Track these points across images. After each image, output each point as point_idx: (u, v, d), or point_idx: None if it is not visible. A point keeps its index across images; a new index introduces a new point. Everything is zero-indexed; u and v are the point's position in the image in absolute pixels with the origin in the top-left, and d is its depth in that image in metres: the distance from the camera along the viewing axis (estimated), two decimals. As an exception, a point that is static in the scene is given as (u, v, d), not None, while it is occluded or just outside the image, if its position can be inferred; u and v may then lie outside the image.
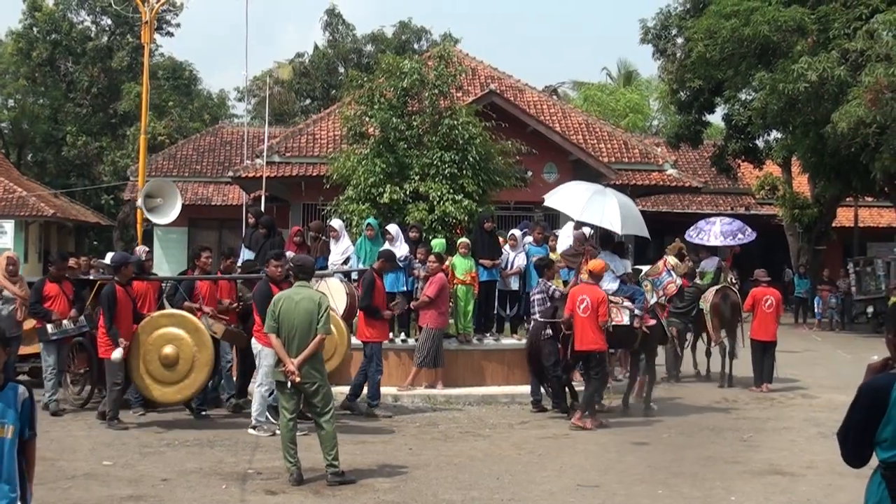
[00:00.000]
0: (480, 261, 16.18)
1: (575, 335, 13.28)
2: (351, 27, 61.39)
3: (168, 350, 12.63)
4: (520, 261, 16.48)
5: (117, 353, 12.47)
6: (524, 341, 16.38)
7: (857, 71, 25.19)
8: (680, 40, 36.08)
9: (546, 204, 16.04)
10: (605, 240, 15.34)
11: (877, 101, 24.04)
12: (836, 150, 27.67)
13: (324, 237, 17.24)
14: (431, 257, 15.14)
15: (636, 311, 14.12)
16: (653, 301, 14.94)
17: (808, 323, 32.42)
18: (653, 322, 14.67)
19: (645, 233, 15.19)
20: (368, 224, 16.85)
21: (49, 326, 13.59)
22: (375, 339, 13.99)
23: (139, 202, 16.90)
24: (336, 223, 17.29)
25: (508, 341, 16.53)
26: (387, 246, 16.35)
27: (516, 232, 16.87)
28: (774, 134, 35.57)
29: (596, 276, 13.55)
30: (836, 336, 29.27)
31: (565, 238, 17.63)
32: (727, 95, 34.34)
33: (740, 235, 19.93)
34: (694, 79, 33.53)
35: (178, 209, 18.91)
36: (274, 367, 10.22)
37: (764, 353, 17.42)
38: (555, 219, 27.82)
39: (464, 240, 16.37)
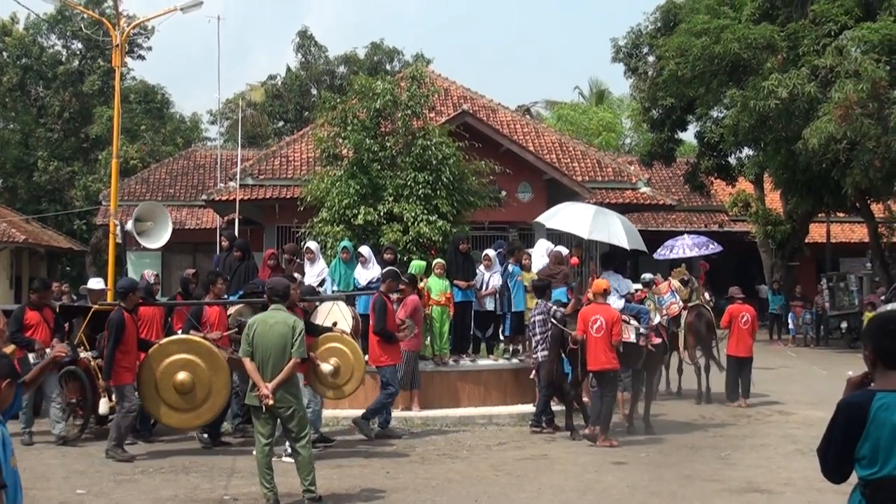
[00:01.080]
0: (455, 282, 16.13)
1: (588, 355, 13.46)
2: (323, 49, 61.43)
3: (182, 376, 12.15)
4: (495, 281, 16.44)
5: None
6: (500, 362, 16.38)
7: (826, 87, 25.38)
8: (651, 59, 36.26)
9: (548, 226, 16.08)
10: (606, 259, 15.54)
11: (847, 117, 24.21)
12: (808, 167, 27.84)
13: (298, 259, 17.18)
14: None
15: (641, 330, 14.27)
16: (656, 320, 15.22)
17: (782, 339, 32.53)
18: (658, 340, 14.94)
19: (643, 248, 15.38)
20: (344, 247, 16.79)
21: (31, 356, 13.09)
22: (389, 362, 13.88)
23: (129, 226, 16.80)
24: (312, 245, 17.25)
25: (484, 362, 16.49)
26: (360, 269, 16.29)
27: (490, 252, 16.84)
28: (746, 151, 35.79)
29: (602, 296, 13.66)
30: (811, 352, 29.37)
31: (539, 257, 17.67)
32: (699, 113, 34.56)
33: (710, 246, 20.12)
34: (666, 97, 33.71)
35: (169, 232, 18.75)
36: (249, 390, 10.11)
37: (741, 368, 17.72)
38: (529, 238, 27.87)
39: (439, 261, 16.34)
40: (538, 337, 14.37)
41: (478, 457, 12.69)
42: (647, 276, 17.07)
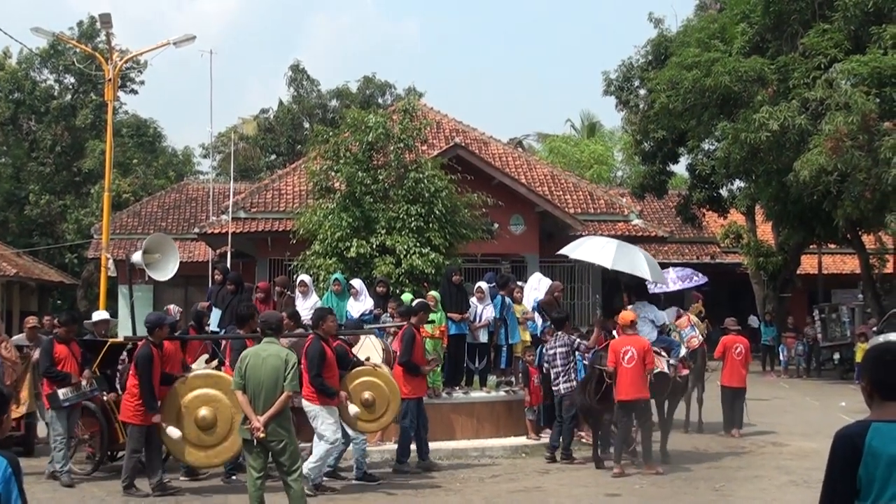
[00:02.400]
0: (449, 314, 16.11)
1: (619, 385, 13.48)
2: (315, 82, 61.60)
3: (205, 412, 11.99)
4: (488, 313, 16.43)
5: (174, 432, 11.89)
6: (493, 394, 16.32)
7: (817, 119, 25.50)
8: (643, 91, 36.44)
9: (572, 257, 16.15)
10: (640, 291, 15.56)
11: (837, 149, 24.33)
12: (799, 198, 27.93)
13: (289, 292, 17.14)
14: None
15: (672, 361, 14.40)
16: (682, 353, 15.31)
17: (775, 370, 32.51)
18: (686, 372, 15.18)
19: (664, 280, 15.71)
20: (336, 279, 16.77)
21: (61, 392, 12.79)
22: (412, 395, 13.69)
23: (136, 258, 16.65)
24: (306, 278, 17.17)
25: (478, 395, 16.42)
26: (352, 301, 16.26)
27: (483, 285, 16.83)
28: (738, 183, 35.91)
29: (630, 328, 13.72)
30: (804, 383, 29.36)
31: (531, 290, 17.69)
32: (690, 145, 34.72)
33: (695, 278, 20.16)
34: (657, 129, 33.86)
35: (177, 264, 18.65)
36: (241, 424, 10.05)
37: (734, 399, 17.82)
38: (522, 270, 27.89)
39: (433, 293, 16.32)
40: (559, 369, 14.50)
41: (471, 489, 12.64)
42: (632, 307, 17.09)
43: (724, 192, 37.58)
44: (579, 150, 58.16)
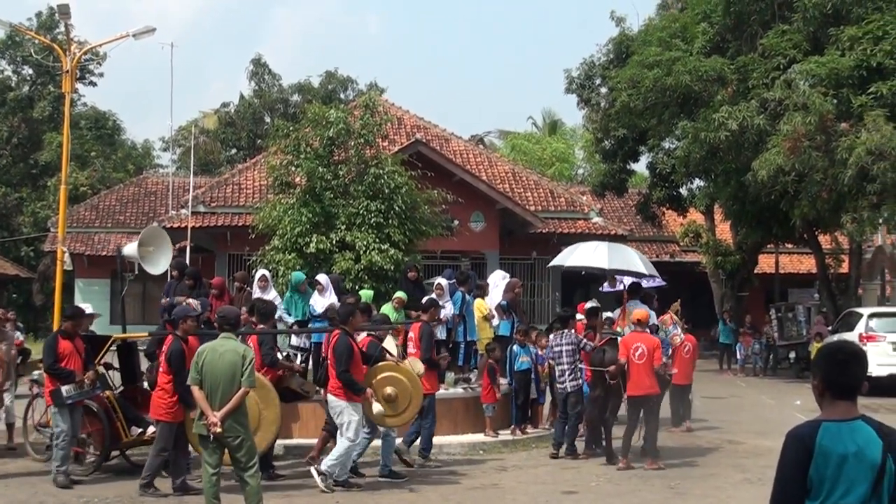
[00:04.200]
0: (408, 312, 16.09)
1: (630, 381, 13.86)
2: (277, 77, 61.36)
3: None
4: (447, 310, 16.41)
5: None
6: (451, 391, 16.31)
7: (775, 120, 25.67)
8: (604, 90, 36.57)
9: (566, 265, 16.50)
10: (633, 290, 16.00)
11: (795, 149, 24.52)
12: (757, 198, 28.12)
13: (248, 287, 17.03)
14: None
15: (663, 359, 14.58)
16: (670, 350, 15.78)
17: (732, 369, 32.73)
18: (675, 370, 15.69)
19: (657, 275, 16.04)
20: (317, 281, 16.74)
21: (65, 388, 12.27)
22: (430, 391, 13.74)
23: (128, 250, 16.38)
24: (265, 273, 17.08)
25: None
26: (316, 296, 16.20)
27: (442, 281, 16.81)
28: (697, 182, 36.08)
29: (643, 324, 14.14)
30: (760, 382, 29.56)
31: (494, 287, 17.71)
32: (651, 144, 34.89)
33: (657, 279, 20.30)
34: (618, 128, 34.03)
35: (169, 258, 18.37)
36: (197, 419, 9.96)
37: (682, 395, 18.07)
38: (482, 267, 27.91)
39: (399, 294, 16.29)
40: (565, 366, 14.66)
41: (427, 486, 12.61)
42: (590, 304, 17.33)
43: (683, 191, 37.82)
44: (541, 148, 58.28)
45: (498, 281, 18.07)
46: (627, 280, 17.61)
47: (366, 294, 16.20)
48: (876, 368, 21.94)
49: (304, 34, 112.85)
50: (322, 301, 16.07)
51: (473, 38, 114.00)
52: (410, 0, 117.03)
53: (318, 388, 13.66)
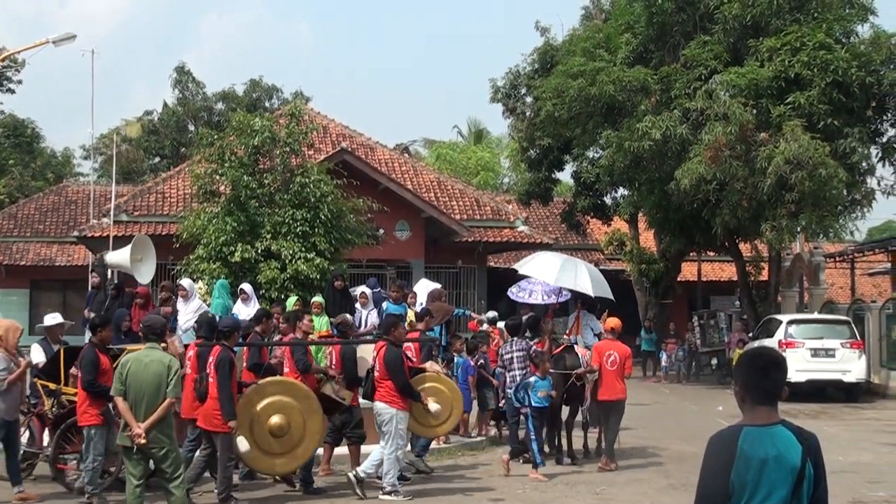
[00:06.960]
0: (331, 320, 16.00)
1: (601, 386, 14.58)
2: (201, 85, 60.74)
3: (277, 419, 11.60)
4: (373, 318, 16.40)
5: (243, 445, 11.23)
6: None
7: (697, 129, 26.06)
8: (529, 99, 36.86)
9: (520, 272, 16.65)
10: (585, 301, 16.89)
11: (716, 158, 24.92)
12: (680, 207, 28.48)
13: (174, 296, 16.86)
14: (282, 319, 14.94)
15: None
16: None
17: (655, 376, 33.06)
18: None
19: (610, 295, 16.20)
20: (242, 290, 16.63)
21: None
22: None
23: (111, 258, 15.93)
24: (185, 282, 16.92)
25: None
26: (240, 305, 16.08)
27: (367, 290, 16.80)
28: (621, 191, 36.47)
29: (616, 332, 14.91)
30: (683, 388, 29.88)
31: (422, 294, 17.72)
32: (575, 153, 35.22)
33: (563, 294, 20.45)
34: (543, 137, 34.26)
35: (154, 267, 18.09)
36: (121, 431, 9.81)
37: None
38: (407, 276, 27.92)
39: (317, 299, 16.23)
40: (516, 373, 14.55)
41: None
42: (491, 313, 17.72)
43: (608, 199, 38.24)
44: (466, 157, 58.45)
45: (422, 289, 18.09)
46: (539, 295, 17.67)
47: (291, 303, 16.12)
48: (795, 374, 22.26)
49: (229, 43, 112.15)
50: (246, 310, 15.97)
51: (399, 46, 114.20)
52: (338, 9, 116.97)
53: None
